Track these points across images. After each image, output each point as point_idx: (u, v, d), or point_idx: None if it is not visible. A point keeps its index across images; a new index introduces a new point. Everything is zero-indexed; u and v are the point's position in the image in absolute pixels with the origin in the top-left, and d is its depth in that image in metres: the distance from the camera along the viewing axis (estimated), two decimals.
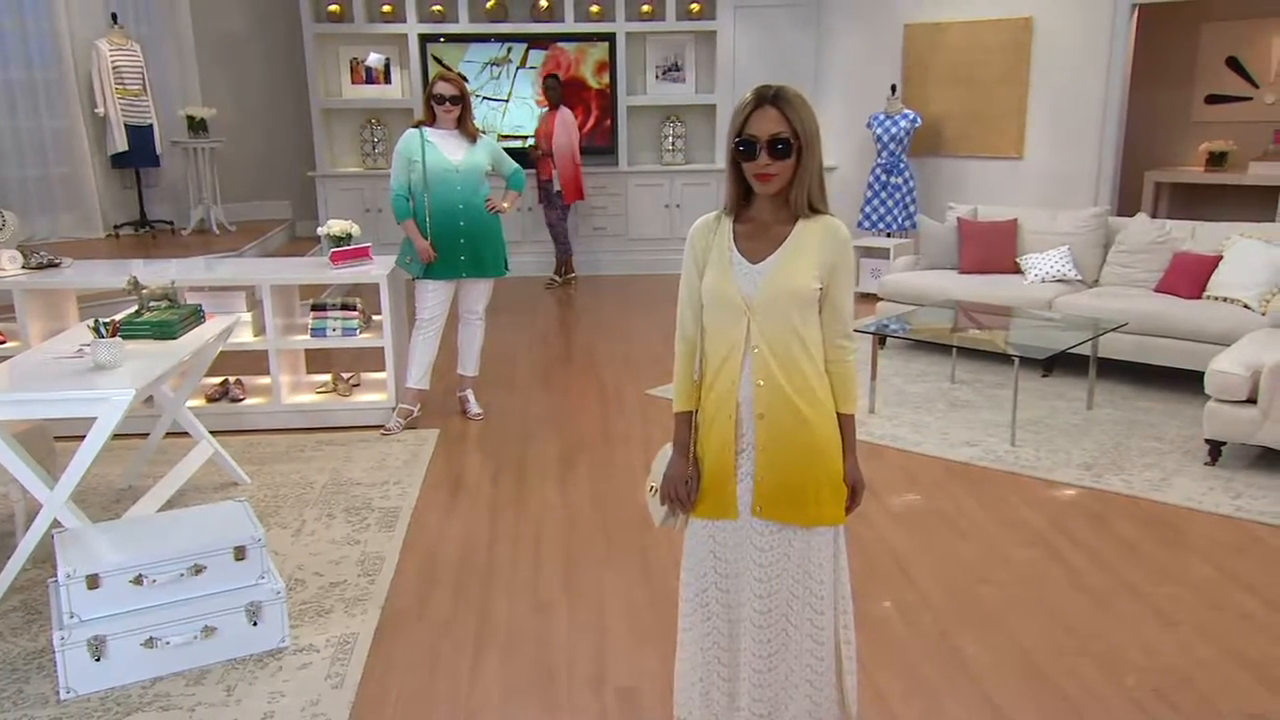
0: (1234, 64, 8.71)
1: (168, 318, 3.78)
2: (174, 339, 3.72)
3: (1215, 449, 4.32)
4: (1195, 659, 2.90)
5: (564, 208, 8.28)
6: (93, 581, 2.80)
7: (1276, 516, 3.82)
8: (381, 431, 4.87)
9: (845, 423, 2.15)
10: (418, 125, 4.73)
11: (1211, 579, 3.38)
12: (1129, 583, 3.35)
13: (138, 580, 2.85)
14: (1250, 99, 8.67)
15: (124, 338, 3.53)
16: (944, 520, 3.86)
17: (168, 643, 2.85)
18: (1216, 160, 8.62)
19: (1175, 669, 2.85)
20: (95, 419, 3.13)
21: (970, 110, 7.98)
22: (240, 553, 2.97)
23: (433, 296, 4.82)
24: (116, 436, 3.38)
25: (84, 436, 3.14)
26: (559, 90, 8.14)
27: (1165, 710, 2.66)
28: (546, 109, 8.18)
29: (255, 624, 2.96)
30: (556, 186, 8.13)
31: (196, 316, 3.95)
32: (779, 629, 2.17)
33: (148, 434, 4.25)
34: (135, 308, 3.90)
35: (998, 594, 3.29)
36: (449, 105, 4.66)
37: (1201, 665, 2.86)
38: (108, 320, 3.44)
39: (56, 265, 4.89)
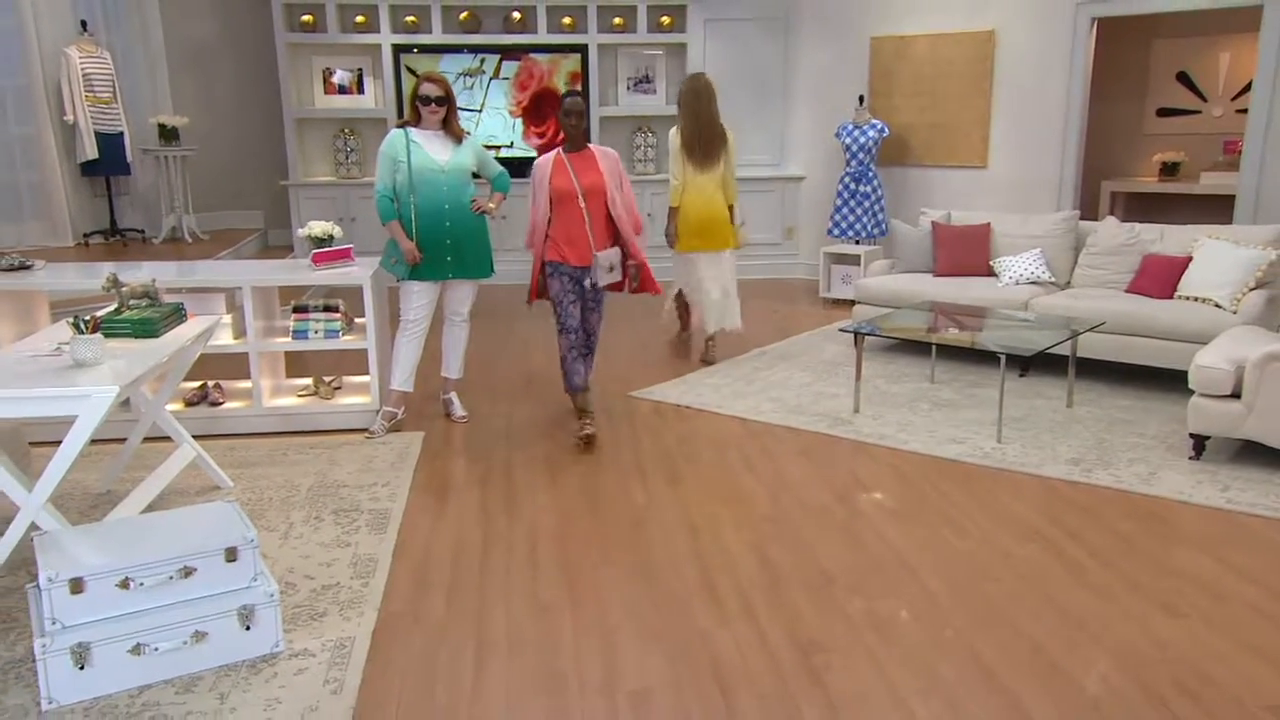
0: (1184, 79, 8.94)
1: (149, 315, 3.66)
2: (155, 337, 3.60)
3: (1199, 443, 4.36)
4: (1209, 650, 2.88)
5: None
6: (76, 585, 2.67)
7: (1267, 509, 3.86)
8: (365, 435, 4.77)
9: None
10: (402, 125, 4.67)
11: (1212, 571, 3.38)
12: (1131, 576, 3.35)
13: (124, 584, 2.73)
14: (1199, 112, 8.90)
15: (104, 335, 3.40)
16: (941, 517, 3.85)
17: (156, 649, 2.73)
18: (1169, 170, 8.84)
19: (1190, 661, 2.83)
20: (75, 418, 3.01)
21: (935, 121, 8.06)
22: (232, 554, 2.86)
23: (418, 298, 4.74)
24: (93, 442, 3.26)
25: (60, 442, 3.01)
26: (583, 119, 4.70)
27: (1187, 703, 2.63)
28: (550, 147, 5.28)
29: (248, 628, 2.85)
30: (616, 268, 4.94)
31: (178, 315, 3.83)
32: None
33: (125, 439, 4.11)
34: (115, 305, 3.77)
35: (1003, 590, 3.27)
36: (434, 106, 4.61)
37: (1216, 657, 2.85)
38: (88, 317, 3.32)
39: (28, 267, 4.73)
